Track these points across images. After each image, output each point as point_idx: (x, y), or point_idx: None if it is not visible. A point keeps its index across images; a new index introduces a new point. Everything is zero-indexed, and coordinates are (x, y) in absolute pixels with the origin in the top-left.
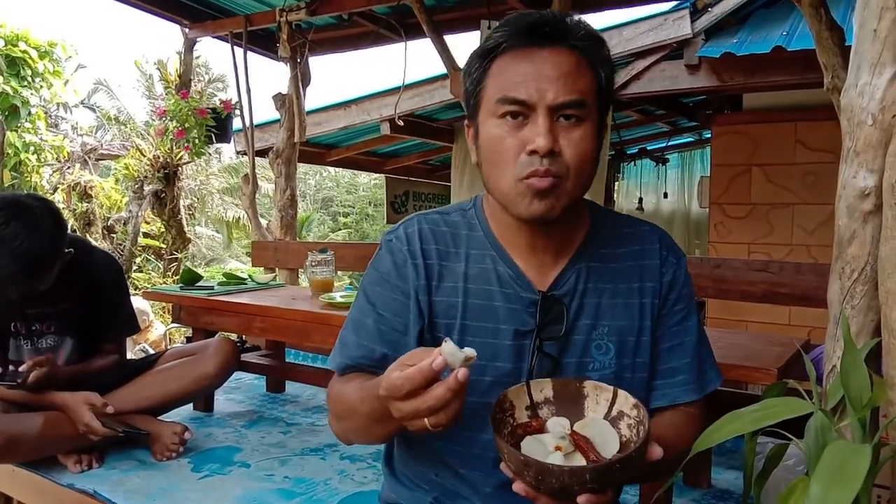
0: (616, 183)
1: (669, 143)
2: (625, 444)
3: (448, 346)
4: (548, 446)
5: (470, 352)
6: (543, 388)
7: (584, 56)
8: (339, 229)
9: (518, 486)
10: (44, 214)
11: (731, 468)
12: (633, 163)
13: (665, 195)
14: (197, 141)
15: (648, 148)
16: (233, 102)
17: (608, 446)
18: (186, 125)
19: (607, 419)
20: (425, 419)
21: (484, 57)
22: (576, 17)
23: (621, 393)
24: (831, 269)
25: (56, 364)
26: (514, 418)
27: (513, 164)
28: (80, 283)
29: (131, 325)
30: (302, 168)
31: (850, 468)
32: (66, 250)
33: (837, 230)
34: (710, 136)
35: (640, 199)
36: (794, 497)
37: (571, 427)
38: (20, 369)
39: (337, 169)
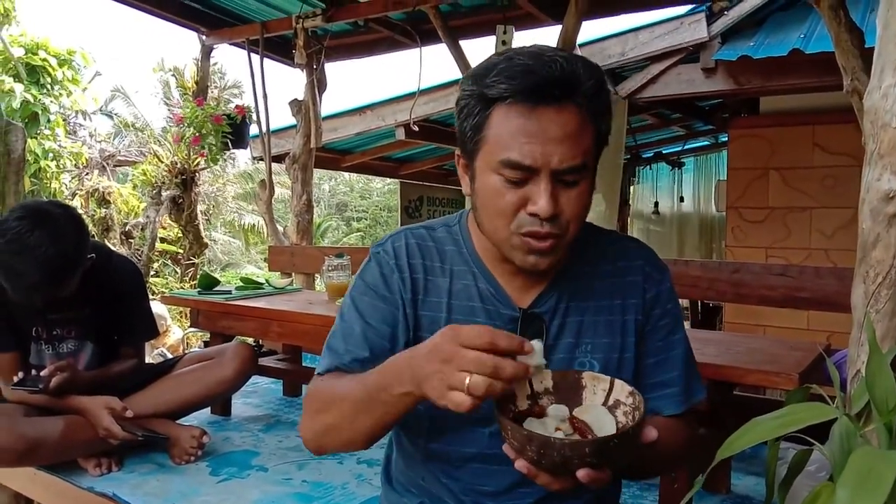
0: (631, 187)
1: (685, 147)
2: (621, 429)
3: (538, 345)
4: (549, 428)
5: (542, 361)
6: (544, 379)
7: (588, 112)
8: (353, 233)
9: (520, 464)
10: (66, 222)
11: (750, 474)
12: (648, 167)
13: (681, 199)
14: (213, 147)
15: (664, 152)
16: (249, 108)
17: (605, 430)
18: (203, 131)
19: (606, 407)
20: (468, 378)
21: (485, 103)
22: (583, 65)
23: (617, 382)
24: (855, 273)
25: (76, 369)
26: (516, 405)
27: (510, 218)
28: (101, 289)
29: (150, 329)
30: (317, 173)
31: (876, 475)
32: (88, 256)
33: (861, 234)
34: (726, 139)
35: (656, 204)
36: (819, 503)
37: (571, 413)
38: (41, 374)
39: (351, 174)
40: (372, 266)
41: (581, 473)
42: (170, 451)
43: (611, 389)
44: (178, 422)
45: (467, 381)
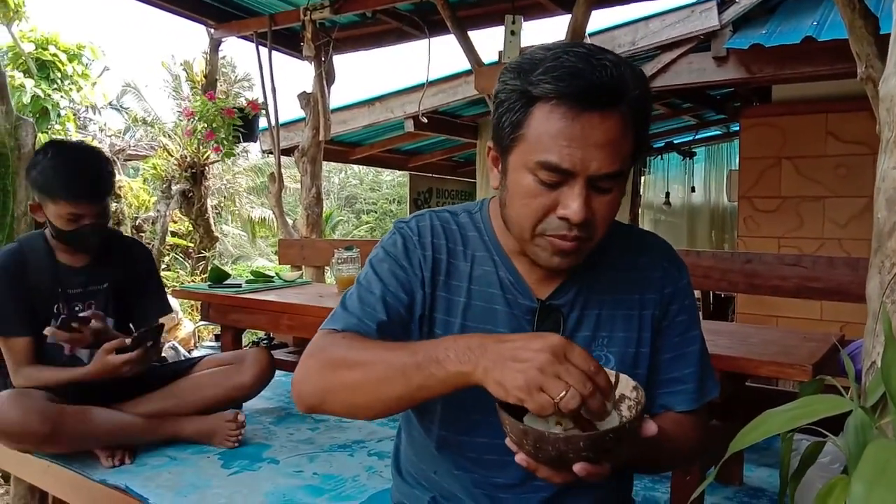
0: (643, 177)
1: (696, 137)
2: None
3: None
4: (549, 422)
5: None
6: None
7: (631, 119)
8: (362, 226)
9: (520, 458)
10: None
11: (763, 465)
12: (659, 157)
13: (692, 189)
14: (226, 141)
15: (675, 142)
16: (259, 102)
17: (607, 425)
18: (214, 125)
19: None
20: (566, 391)
21: (528, 98)
22: (632, 72)
23: (622, 377)
24: (870, 263)
25: (106, 323)
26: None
27: (539, 219)
28: (117, 265)
29: (165, 307)
30: (326, 166)
31: (893, 468)
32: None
33: (876, 223)
34: (737, 128)
35: (668, 194)
36: (834, 496)
37: None
38: (82, 315)
39: (360, 167)
40: (395, 237)
41: (577, 467)
42: (212, 441)
43: (616, 384)
44: None
45: (564, 393)
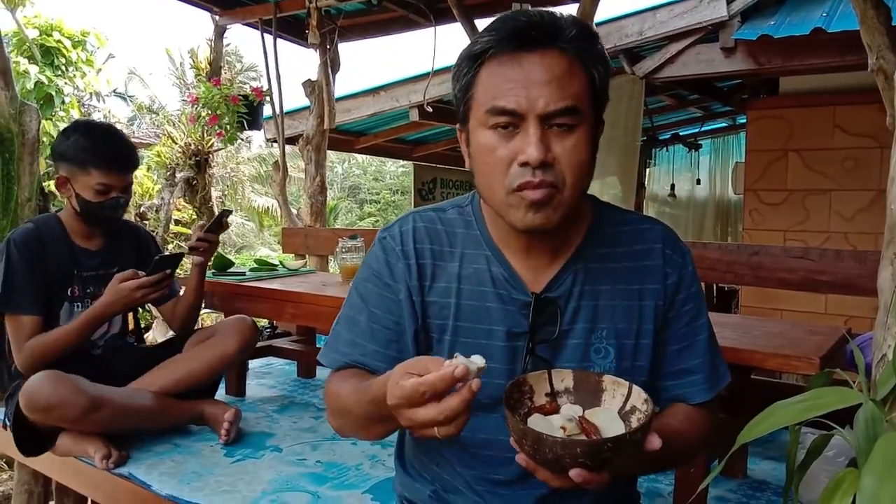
0: (647, 169)
1: (702, 129)
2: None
3: (460, 358)
4: (554, 426)
5: (480, 361)
6: (564, 378)
7: (576, 57)
8: (365, 216)
9: (520, 457)
10: None
11: (767, 458)
12: (665, 148)
13: (698, 181)
14: (229, 127)
15: (681, 133)
16: (267, 91)
17: (612, 434)
18: (219, 112)
19: (622, 412)
20: (435, 428)
21: (472, 61)
22: (567, 15)
23: (635, 389)
24: (882, 256)
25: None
26: (533, 401)
27: (504, 175)
28: (128, 248)
29: (173, 290)
30: (330, 156)
31: None
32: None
33: (889, 215)
34: (744, 121)
35: (673, 186)
36: (843, 489)
37: (583, 414)
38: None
39: (364, 157)
40: (377, 252)
41: (573, 473)
42: (217, 427)
43: (629, 395)
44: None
45: (436, 431)
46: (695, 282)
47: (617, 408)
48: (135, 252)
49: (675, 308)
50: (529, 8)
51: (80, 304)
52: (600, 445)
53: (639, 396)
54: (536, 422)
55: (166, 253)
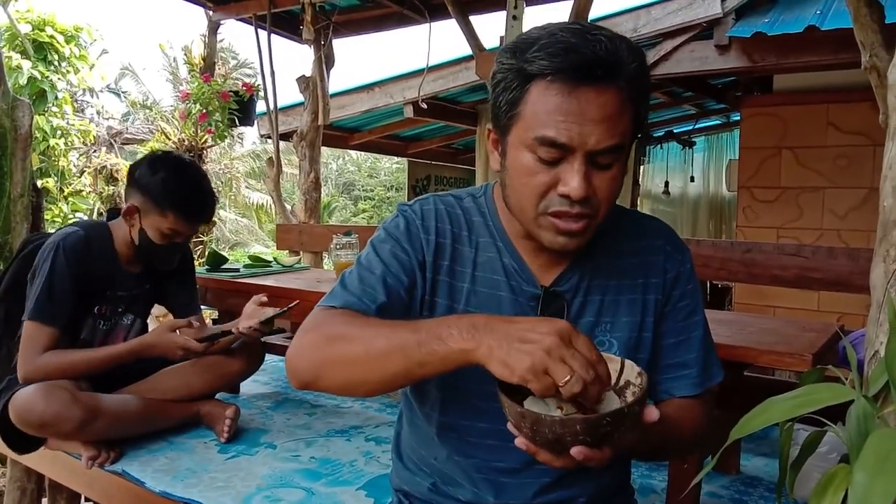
0: (642, 167)
1: (696, 126)
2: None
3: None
4: (550, 407)
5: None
6: None
7: (629, 95)
8: (360, 213)
9: (519, 441)
10: None
11: (760, 455)
12: (659, 146)
13: (692, 179)
14: (220, 124)
15: (675, 131)
16: (257, 85)
17: (608, 410)
18: (209, 108)
19: (616, 388)
20: (570, 376)
21: (524, 78)
22: (628, 47)
23: (628, 363)
24: (874, 253)
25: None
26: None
27: (540, 198)
28: (171, 269)
29: (195, 306)
30: (324, 152)
31: (895, 457)
32: None
33: (882, 211)
34: (738, 118)
35: (667, 183)
36: (834, 486)
37: None
38: (221, 329)
39: (358, 153)
40: (398, 220)
41: (575, 451)
42: (214, 425)
43: (622, 371)
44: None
45: (568, 377)
46: (692, 280)
47: (611, 384)
48: (176, 272)
49: (672, 303)
50: (590, 35)
51: (104, 322)
52: (599, 420)
53: (632, 370)
54: (532, 404)
55: (219, 331)
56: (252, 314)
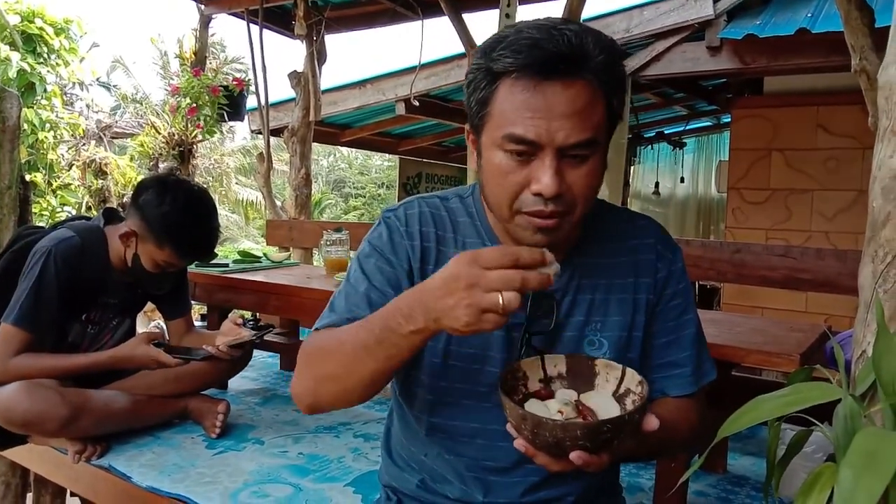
0: (632, 167)
1: (687, 127)
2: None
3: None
4: (551, 410)
5: (557, 267)
6: (557, 364)
7: (599, 87)
8: (350, 211)
9: (518, 443)
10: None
11: (747, 454)
12: (650, 146)
13: (682, 179)
14: (209, 119)
15: (666, 132)
16: (248, 81)
17: (608, 416)
18: (199, 102)
19: (616, 395)
20: (500, 297)
21: (491, 77)
22: (594, 37)
23: (629, 371)
24: (863, 252)
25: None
26: (527, 387)
27: (515, 198)
28: (155, 274)
29: (186, 307)
30: (315, 149)
31: (881, 455)
32: None
33: (871, 212)
34: (728, 120)
35: (657, 184)
36: (821, 484)
37: (578, 398)
38: (207, 349)
39: (349, 150)
40: (381, 229)
41: (573, 455)
42: (203, 421)
43: (622, 378)
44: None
45: (501, 300)
46: (683, 278)
47: (611, 391)
48: (158, 276)
49: (663, 302)
50: (555, 31)
51: (94, 326)
52: (600, 427)
53: (633, 378)
54: (533, 407)
55: (198, 355)
56: (228, 332)
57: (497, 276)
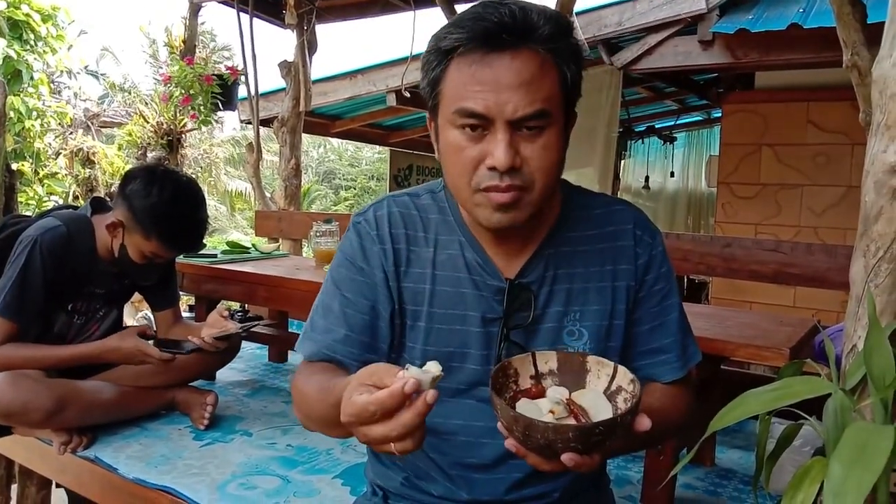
0: (622, 161)
1: (678, 122)
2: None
3: (412, 370)
4: (542, 409)
5: (436, 369)
6: (548, 360)
7: (548, 56)
8: (340, 202)
9: (509, 443)
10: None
11: (735, 447)
12: (640, 140)
13: (672, 174)
14: (203, 108)
15: (657, 126)
16: (238, 68)
17: (600, 416)
18: (192, 92)
19: (607, 393)
20: (392, 444)
21: (441, 55)
22: (540, 9)
23: (620, 368)
24: (854, 247)
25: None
26: (518, 385)
27: (471, 175)
28: (143, 264)
29: (174, 297)
30: (305, 140)
31: (871, 449)
32: None
33: (863, 207)
34: (719, 115)
35: (647, 178)
36: (811, 477)
37: (569, 396)
38: (193, 340)
39: (340, 141)
40: (351, 237)
41: (565, 457)
42: (191, 413)
43: (614, 375)
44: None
45: (393, 447)
46: (665, 262)
47: (602, 388)
48: (147, 266)
49: (646, 288)
50: (500, 4)
51: (80, 317)
52: (591, 429)
53: (625, 376)
54: (524, 406)
55: (185, 348)
56: (214, 324)
57: (378, 434)
